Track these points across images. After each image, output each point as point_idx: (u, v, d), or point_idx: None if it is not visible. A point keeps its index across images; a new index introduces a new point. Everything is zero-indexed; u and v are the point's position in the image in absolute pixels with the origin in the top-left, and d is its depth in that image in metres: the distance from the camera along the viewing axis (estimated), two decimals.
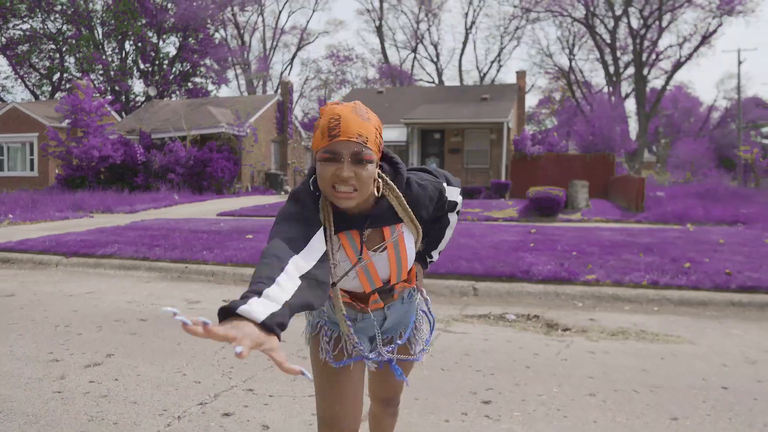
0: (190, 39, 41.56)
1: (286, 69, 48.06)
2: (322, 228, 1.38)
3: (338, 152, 1.36)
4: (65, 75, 42.52)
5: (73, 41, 40.24)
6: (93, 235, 9.99)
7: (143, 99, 40.85)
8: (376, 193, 1.46)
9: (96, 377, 3.45)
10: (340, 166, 1.35)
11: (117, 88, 40.00)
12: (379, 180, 1.46)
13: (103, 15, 40.41)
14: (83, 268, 7.90)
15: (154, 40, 41.10)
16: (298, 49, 46.58)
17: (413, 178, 1.54)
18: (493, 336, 4.37)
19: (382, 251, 1.50)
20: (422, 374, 3.53)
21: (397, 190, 1.49)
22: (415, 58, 47.93)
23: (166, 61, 42.27)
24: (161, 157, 21.73)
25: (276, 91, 36.75)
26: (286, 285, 1.15)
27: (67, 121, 23.22)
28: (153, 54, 41.32)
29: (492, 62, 47.40)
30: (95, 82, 38.99)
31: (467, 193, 19.57)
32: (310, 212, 1.39)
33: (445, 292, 6.04)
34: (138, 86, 43.44)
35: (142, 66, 41.91)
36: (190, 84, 43.56)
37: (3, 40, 41.23)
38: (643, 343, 4.22)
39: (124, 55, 41.73)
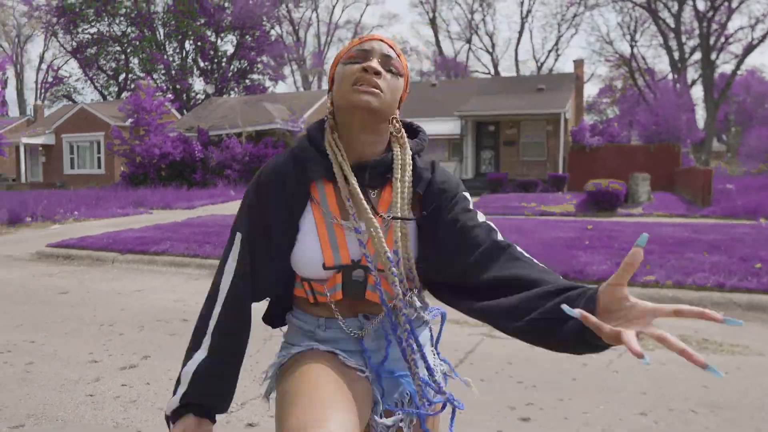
0: (247, 37, 42.34)
1: None
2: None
3: (368, 50, 1.16)
4: (130, 75, 44.15)
5: (137, 43, 41.70)
6: (149, 232, 10.24)
7: (203, 96, 41.94)
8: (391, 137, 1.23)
9: (129, 380, 3.45)
10: (368, 63, 1.14)
11: (178, 86, 41.21)
12: (397, 123, 1.22)
13: (164, 16, 41.67)
14: (137, 264, 8.07)
15: (213, 38, 42.10)
16: None
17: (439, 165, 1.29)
18: None
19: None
20: (457, 382, 3.35)
21: (409, 149, 1.22)
22: (469, 49, 47.26)
23: (224, 59, 43.26)
24: (218, 154, 22.21)
25: (325, 87, 37.01)
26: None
27: (130, 120, 24.08)
28: (212, 52, 42.35)
29: (549, 51, 46.23)
30: (157, 82, 40.34)
31: (523, 187, 19.09)
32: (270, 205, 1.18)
33: None
34: (198, 84, 44.63)
35: (201, 64, 43.05)
36: (247, 81, 44.42)
37: (74, 44, 43.20)
38: (705, 353, 3.89)
39: (184, 54, 42.95)
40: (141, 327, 4.69)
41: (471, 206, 1.22)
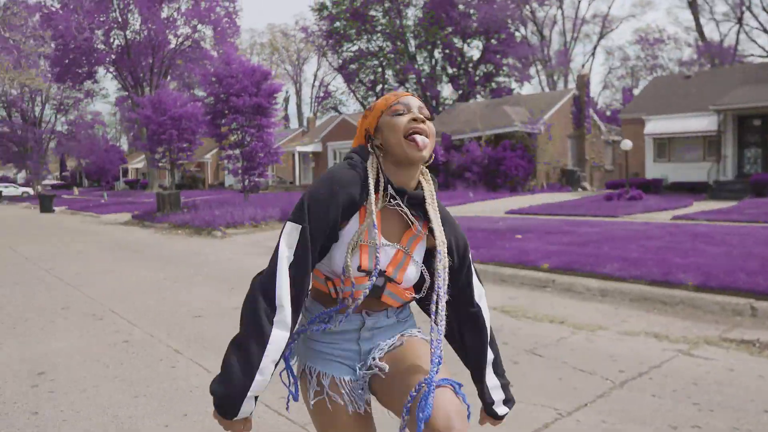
0: (493, 40, 43.08)
1: (587, 60, 46.22)
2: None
3: (408, 104, 1.44)
4: (385, 86, 48.22)
5: (391, 56, 45.36)
6: None
7: (452, 102, 43.88)
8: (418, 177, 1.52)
9: None
10: (412, 115, 1.43)
11: (428, 93, 43.77)
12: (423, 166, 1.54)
13: (415, 29, 44.60)
14: None
15: (460, 45, 43.75)
16: (600, 37, 44.38)
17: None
18: (743, 367, 3.83)
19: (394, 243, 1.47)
20: (624, 394, 3.37)
21: (432, 181, 1.56)
22: (740, 30, 41.27)
23: (470, 65, 44.65)
24: (459, 157, 23.22)
25: (570, 86, 35.77)
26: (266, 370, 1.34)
27: None
28: (459, 59, 44.04)
29: None
30: (409, 90, 43.37)
31: None
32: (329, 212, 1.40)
33: (714, 309, 5.38)
34: (446, 91, 46.85)
35: (450, 71, 45.05)
36: (493, 84, 45.19)
37: (339, 61, 48.75)
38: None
39: (433, 62, 45.42)
40: None
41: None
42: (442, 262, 1.46)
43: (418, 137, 1.42)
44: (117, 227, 17.34)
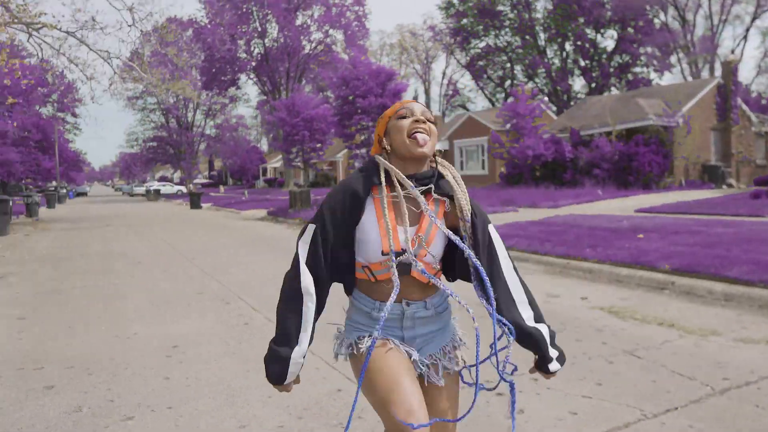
0: (629, 29, 40.69)
1: (738, 45, 42.09)
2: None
3: (411, 109, 1.68)
4: (514, 81, 47.33)
5: (520, 50, 44.41)
6: (505, 229, 11.36)
7: (583, 96, 42.10)
8: (432, 166, 1.72)
9: None
10: (415, 117, 1.65)
11: (558, 88, 42.35)
12: (437, 157, 1.74)
13: (545, 22, 43.28)
14: None
15: (592, 36, 41.81)
16: (754, 18, 40.13)
17: None
18: None
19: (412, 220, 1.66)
20: (721, 402, 3.23)
21: (449, 165, 1.75)
22: None
23: (604, 56, 42.53)
24: (587, 153, 22.33)
25: (718, 73, 32.77)
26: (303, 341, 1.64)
27: (508, 125, 26.15)
28: (591, 50, 42.13)
29: None
30: (538, 85, 42.22)
31: None
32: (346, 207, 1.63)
33: None
34: (578, 84, 45.00)
35: (582, 63, 43.23)
36: (629, 75, 42.72)
37: (467, 58, 48.59)
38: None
39: (564, 55, 43.82)
40: (459, 307, 5.63)
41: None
42: (466, 225, 1.67)
43: (419, 135, 1.63)
44: (254, 223, 18.76)
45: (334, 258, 1.67)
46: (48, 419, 3.16)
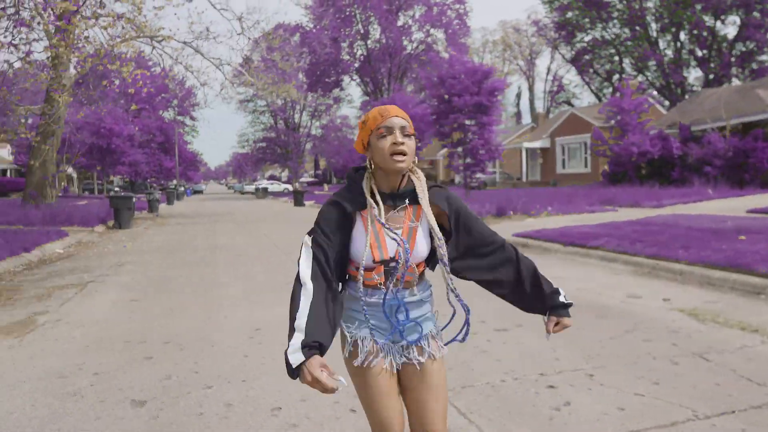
0: (755, 13, 37.60)
1: None
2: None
3: (391, 126, 1.80)
4: (623, 75, 45.20)
5: (629, 42, 42.34)
6: (597, 229, 11.08)
7: (699, 88, 39.46)
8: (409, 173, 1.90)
9: (506, 339, 4.48)
10: (394, 136, 1.79)
11: (671, 81, 39.97)
12: (415, 167, 1.91)
13: (657, 11, 40.94)
14: (573, 256, 9.06)
15: (710, 23, 39.03)
16: None
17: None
18: None
19: (397, 228, 1.83)
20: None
21: (420, 172, 1.90)
22: None
23: (724, 44, 39.58)
24: (697, 150, 21.02)
25: None
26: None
27: (612, 121, 25.14)
28: (710, 39, 39.35)
29: None
30: (649, 78, 40.04)
31: None
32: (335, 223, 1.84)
33: None
34: (693, 75, 42.19)
35: (699, 53, 40.50)
36: (753, 64, 39.49)
37: (572, 53, 47.02)
38: None
39: (678, 46, 41.26)
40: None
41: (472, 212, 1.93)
42: (438, 233, 1.86)
43: (397, 157, 1.80)
44: None
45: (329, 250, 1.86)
46: (143, 383, 3.67)
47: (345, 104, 62.26)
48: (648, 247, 8.39)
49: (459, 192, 25.25)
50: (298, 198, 30.52)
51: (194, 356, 4.20)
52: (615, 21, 43.63)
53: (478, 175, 22.95)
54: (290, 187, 57.45)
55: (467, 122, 20.50)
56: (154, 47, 19.30)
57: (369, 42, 44.72)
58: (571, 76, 77.26)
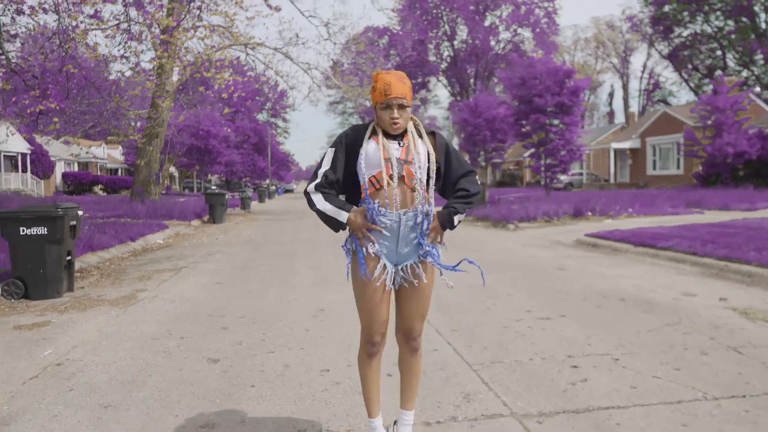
0: None
1: None
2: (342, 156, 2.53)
3: (391, 103, 2.41)
4: (725, 71, 42.69)
5: (733, 36, 39.94)
6: (672, 230, 10.91)
7: None
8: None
9: (545, 326, 4.81)
10: (392, 111, 2.41)
11: None
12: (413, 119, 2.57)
13: (765, 1, 38.37)
14: (643, 257, 9.05)
15: None
16: None
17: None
18: None
19: (399, 149, 2.49)
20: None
21: (418, 120, 2.60)
22: None
23: None
24: None
25: None
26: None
27: (708, 120, 24.00)
28: None
29: None
30: (755, 73, 37.62)
31: None
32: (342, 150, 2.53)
33: None
34: None
35: None
36: None
37: (670, 48, 44.94)
38: None
39: None
40: (584, 298, 5.90)
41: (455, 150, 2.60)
42: (423, 162, 2.49)
43: (394, 125, 2.45)
44: None
45: (344, 176, 2.54)
46: (219, 346, 4.34)
47: (432, 105, 62.64)
48: (719, 249, 8.26)
49: (540, 193, 24.99)
50: None
51: (263, 328, 4.84)
52: (718, 13, 41.29)
53: (562, 176, 22.67)
54: None
55: (548, 122, 20.36)
56: (247, 54, 20.65)
57: (455, 43, 44.91)
58: (668, 73, 73.54)
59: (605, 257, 9.23)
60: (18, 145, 34.18)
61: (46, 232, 6.38)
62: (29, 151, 36.38)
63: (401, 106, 2.43)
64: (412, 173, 2.44)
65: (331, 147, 2.54)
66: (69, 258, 6.75)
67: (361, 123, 2.61)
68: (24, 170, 36.63)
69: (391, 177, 2.41)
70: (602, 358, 4.00)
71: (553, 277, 7.35)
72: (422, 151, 2.48)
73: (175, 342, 4.48)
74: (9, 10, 11.79)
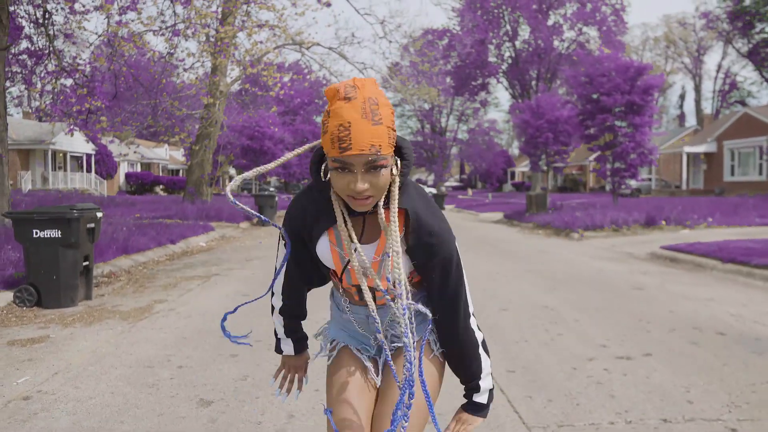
0: None
1: None
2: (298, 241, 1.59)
3: (350, 164, 1.29)
4: None
5: None
6: (748, 243, 9.58)
7: None
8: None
9: (623, 368, 3.82)
10: (353, 178, 1.30)
11: None
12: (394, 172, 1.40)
13: None
14: (734, 275, 7.82)
15: None
16: None
17: (415, 191, 1.48)
18: None
19: (372, 243, 1.49)
20: None
21: (409, 180, 1.47)
22: None
23: None
24: None
25: None
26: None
27: None
28: None
29: None
30: None
31: None
32: (291, 231, 1.57)
33: None
34: None
35: None
36: None
37: (750, 46, 41.98)
38: None
39: None
40: (671, 330, 4.82)
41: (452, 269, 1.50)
42: (394, 266, 1.40)
43: (357, 202, 1.35)
44: (488, 224, 18.81)
45: (304, 266, 1.68)
46: (218, 382, 3.58)
47: (492, 107, 61.12)
48: None
49: (605, 199, 23.41)
50: (438, 202, 30.37)
51: (277, 359, 4.05)
52: None
53: (630, 181, 21.13)
54: (434, 191, 57.63)
55: (617, 123, 18.90)
56: (303, 54, 20.18)
57: (517, 43, 43.38)
58: (746, 73, 69.17)
59: (687, 274, 8.03)
60: (83, 146, 35.13)
61: (60, 235, 5.85)
62: (94, 152, 37.39)
63: (371, 167, 1.30)
64: (384, 287, 1.46)
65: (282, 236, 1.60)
66: (86, 264, 6.21)
67: (308, 188, 1.55)
68: (89, 170, 37.69)
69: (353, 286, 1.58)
70: (711, 426, 2.98)
71: (628, 297, 6.27)
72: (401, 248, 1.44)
73: (169, 372, 3.75)
74: (63, 9, 11.63)
